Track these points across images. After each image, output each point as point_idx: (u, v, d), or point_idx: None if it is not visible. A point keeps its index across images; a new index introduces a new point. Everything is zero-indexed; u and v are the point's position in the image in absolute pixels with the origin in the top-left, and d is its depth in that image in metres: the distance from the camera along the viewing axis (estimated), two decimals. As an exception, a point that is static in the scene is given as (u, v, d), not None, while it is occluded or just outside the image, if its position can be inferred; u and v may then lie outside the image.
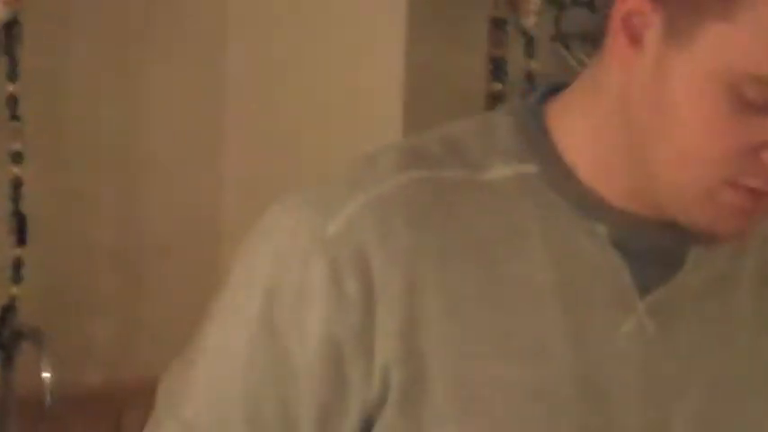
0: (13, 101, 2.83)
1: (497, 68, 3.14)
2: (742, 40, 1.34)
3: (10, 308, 2.87)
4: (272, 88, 3.11)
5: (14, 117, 2.84)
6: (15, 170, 2.86)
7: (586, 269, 1.46)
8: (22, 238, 2.87)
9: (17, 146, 2.85)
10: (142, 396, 2.70)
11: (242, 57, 3.24)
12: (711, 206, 1.39)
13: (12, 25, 2.81)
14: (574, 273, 1.46)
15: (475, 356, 1.47)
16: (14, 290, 2.88)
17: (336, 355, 1.40)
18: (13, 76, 2.83)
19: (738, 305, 1.52)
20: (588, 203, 1.45)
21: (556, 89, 1.49)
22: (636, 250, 1.45)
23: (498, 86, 3.15)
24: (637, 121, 1.37)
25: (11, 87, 2.84)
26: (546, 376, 1.47)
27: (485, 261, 1.45)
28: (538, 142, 1.44)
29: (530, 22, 3.08)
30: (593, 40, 3.19)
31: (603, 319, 1.46)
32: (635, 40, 1.35)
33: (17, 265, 2.88)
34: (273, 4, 3.17)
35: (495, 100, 3.11)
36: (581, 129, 1.43)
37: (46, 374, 2.70)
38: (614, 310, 1.45)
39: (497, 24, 3.10)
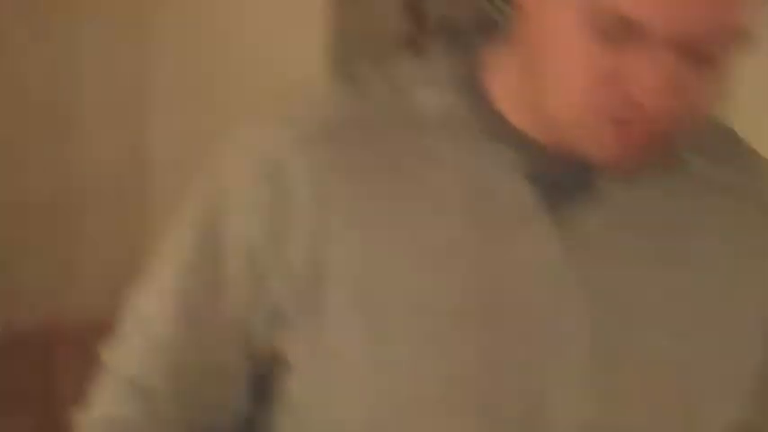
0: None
1: (413, 14, 3.22)
2: None
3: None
4: (196, 37, 3.17)
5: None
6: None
7: (494, 191, 1.52)
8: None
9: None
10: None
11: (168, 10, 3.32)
12: (595, 137, 1.45)
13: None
14: (481, 193, 1.52)
15: (377, 267, 1.53)
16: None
17: (252, 255, 1.49)
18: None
19: (689, 249, 1.57)
20: (503, 133, 1.51)
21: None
22: (545, 176, 1.51)
23: (413, 30, 3.24)
24: (531, 60, 1.44)
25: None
26: (447, 287, 1.53)
27: (397, 178, 1.52)
28: (466, 76, 1.50)
29: None
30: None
31: (507, 236, 1.52)
32: None
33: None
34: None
35: (410, 43, 3.22)
36: (505, 68, 1.49)
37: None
38: (518, 230, 1.51)
39: None
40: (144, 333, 1.62)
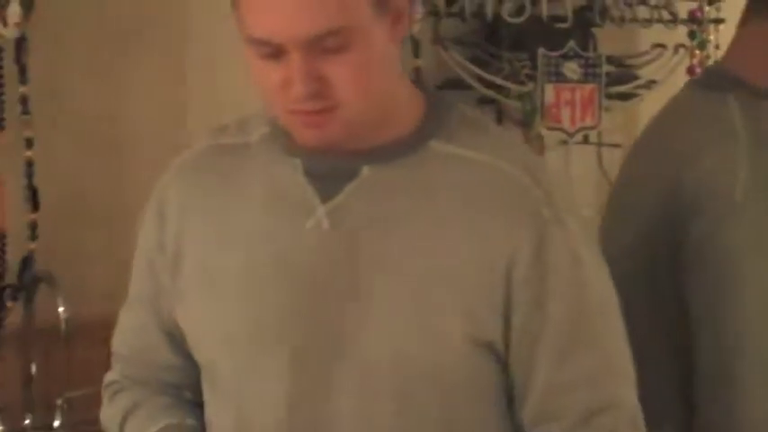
0: (24, 100, 3.13)
1: None
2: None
3: (28, 259, 3.15)
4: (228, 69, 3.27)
5: (25, 112, 3.14)
6: (28, 153, 3.16)
7: (285, 188, 1.86)
8: (35, 206, 3.16)
9: (29, 133, 3.15)
10: None
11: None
12: (294, 126, 1.78)
13: (21, 41, 3.09)
14: (277, 191, 1.87)
15: (208, 245, 1.93)
16: (32, 245, 3.16)
17: (151, 257, 2.00)
18: (23, 79, 3.13)
19: (430, 214, 1.82)
20: (290, 148, 1.85)
21: None
22: (320, 173, 1.84)
23: None
24: None
25: (22, 88, 3.13)
26: (252, 261, 1.88)
27: (227, 188, 1.92)
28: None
29: (414, 29, 3.38)
30: (467, 43, 3.69)
31: (294, 220, 1.84)
32: None
33: (33, 226, 3.17)
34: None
35: None
36: None
37: (61, 309, 3.07)
38: (301, 214, 1.84)
39: None
40: (120, 320, 2.10)
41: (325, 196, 1.84)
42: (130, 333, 2.09)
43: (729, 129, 2.31)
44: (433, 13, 3.55)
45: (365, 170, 1.83)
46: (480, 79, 3.73)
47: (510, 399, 1.84)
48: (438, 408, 1.83)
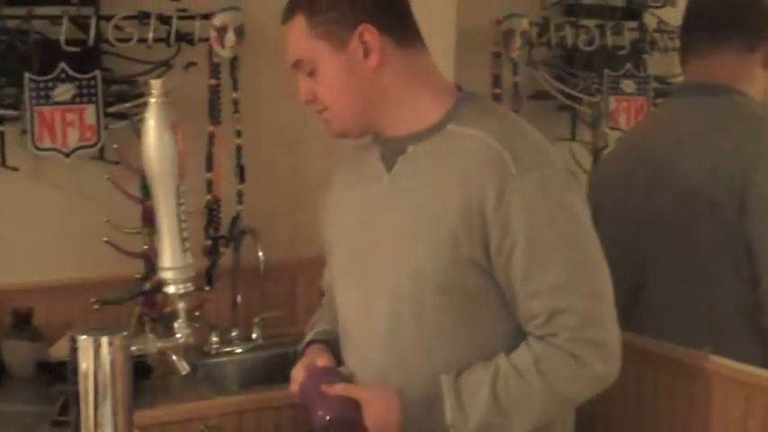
0: (235, 102, 3.14)
1: (495, 80, 3.53)
2: None
3: (236, 217, 3.18)
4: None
5: (236, 111, 3.14)
6: (238, 141, 3.17)
7: (372, 164, 2.05)
8: (242, 179, 3.19)
9: (239, 127, 3.16)
10: (307, 268, 3.31)
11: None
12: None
13: (234, 60, 3.10)
14: (370, 167, 2.06)
15: (336, 211, 2.17)
16: (239, 207, 3.19)
17: None
18: (235, 88, 3.13)
19: (439, 172, 1.93)
20: (376, 140, 2.06)
21: None
22: (386, 153, 2.03)
23: (497, 91, 3.53)
24: None
25: (234, 94, 3.13)
26: (349, 212, 2.10)
27: (358, 168, 2.12)
28: None
29: (514, 53, 3.46)
30: (552, 65, 3.65)
31: (372, 184, 2.04)
32: None
33: (240, 194, 3.20)
34: None
35: (495, 98, 3.44)
36: None
37: (260, 254, 3.05)
38: (377, 180, 2.03)
39: (496, 55, 3.49)
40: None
41: (389, 167, 2.00)
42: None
43: None
44: (528, 42, 3.50)
45: (409, 148, 1.97)
46: (561, 92, 3.72)
47: (508, 303, 1.90)
48: (447, 309, 1.91)
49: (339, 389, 1.96)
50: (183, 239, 1.84)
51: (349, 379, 2.04)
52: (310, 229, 3.14)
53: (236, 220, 3.22)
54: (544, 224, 1.84)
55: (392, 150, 2.00)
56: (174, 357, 1.87)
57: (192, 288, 1.85)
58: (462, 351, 1.91)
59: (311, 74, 1.98)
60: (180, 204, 1.83)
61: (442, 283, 1.89)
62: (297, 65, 2.01)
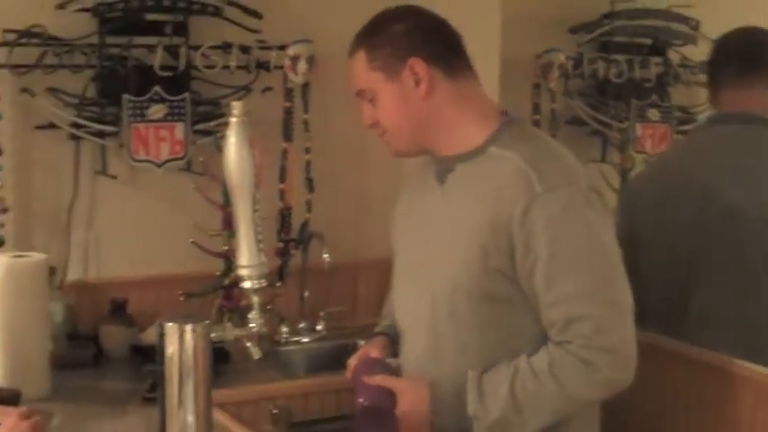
0: (305, 122, 3.15)
1: (535, 108, 3.53)
2: None
3: (305, 223, 3.18)
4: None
5: (307, 130, 3.15)
6: (308, 156, 3.17)
7: (428, 180, 2.06)
8: (311, 189, 3.19)
9: (308, 144, 3.16)
10: (368, 267, 3.34)
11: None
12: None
13: (305, 85, 3.11)
14: (426, 182, 2.06)
15: (400, 222, 2.17)
16: (307, 215, 3.20)
17: None
18: (306, 109, 3.13)
19: (476, 191, 1.94)
20: (434, 158, 2.05)
21: None
22: (439, 171, 2.03)
23: (537, 117, 3.52)
24: None
25: (305, 115, 3.14)
26: (412, 220, 2.11)
27: (415, 187, 2.14)
28: None
29: (552, 84, 3.46)
30: (586, 94, 3.65)
31: (428, 197, 2.05)
32: None
33: (308, 203, 3.20)
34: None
35: (534, 124, 3.44)
36: None
37: (325, 255, 3.06)
38: (432, 194, 2.04)
39: (536, 85, 3.48)
40: None
41: (441, 182, 2.01)
42: None
43: None
44: (564, 74, 3.50)
45: (457, 167, 1.98)
46: (594, 118, 3.70)
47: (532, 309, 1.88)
48: (477, 312, 1.91)
49: (378, 379, 1.97)
50: (258, 241, 1.85)
51: (394, 370, 2.05)
52: (371, 235, 3.32)
53: (304, 225, 3.22)
54: (564, 239, 1.82)
55: (444, 168, 2.01)
56: (249, 344, 1.89)
57: (265, 284, 1.88)
58: (491, 350, 1.91)
59: (372, 101, 2.00)
60: (255, 210, 1.85)
61: (473, 289, 1.90)
62: (359, 94, 2.03)
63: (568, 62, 3.54)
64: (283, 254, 3.20)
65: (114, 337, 2.87)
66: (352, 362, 2.14)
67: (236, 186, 1.83)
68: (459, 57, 2.02)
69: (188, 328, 1.75)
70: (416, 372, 2.01)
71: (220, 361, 2.69)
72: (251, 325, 1.87)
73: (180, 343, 1.75)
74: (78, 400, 2.48)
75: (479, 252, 1.87)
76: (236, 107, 1.83)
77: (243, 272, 1.85)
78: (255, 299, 1.86)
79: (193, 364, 1.75)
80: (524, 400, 1.84)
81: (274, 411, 2.64)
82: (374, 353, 2.14)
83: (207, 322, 1.78)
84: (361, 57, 1.98)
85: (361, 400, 1.96)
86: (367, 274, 3.32)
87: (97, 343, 2.88)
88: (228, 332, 1.86)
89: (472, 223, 1.90)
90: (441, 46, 1.98)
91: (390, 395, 1.94)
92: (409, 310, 2.08)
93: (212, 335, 1.79)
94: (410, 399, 1.93)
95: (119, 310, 2.91)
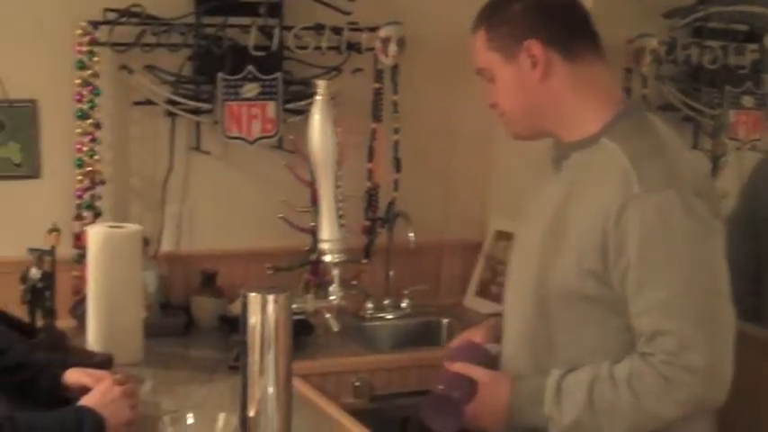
0: (395, 103, 3.19)
1: (627, 93, 3.29)
2: None
3: (392, 203, 3.22)
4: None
5: (395, 111, 3.18)
6: (396, 137, 3.21)
7: (549, 167, 1.98)
8: (398, 169, 3.23)
9: (397, 125, 3.20)
10: (451, 247, 3.39)
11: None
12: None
13: (395, 67, 3.13)
14: (547, 169, 1.98)
15: (522, 216, 2.07)
16: (394, 194, 3.23)
17: None
18: (395, 91, 3.17)
19: (582, 184, 1.86)
20: (555, 144, 1.98)
21: None
22: (556, 158, 1.96)
23: None
24: None
25: (394, 97, 3.18)
26: (533, 206, 2.02)
27: (543, 175, 2.02)
28: None
29: (644, 69, 3.34)
30: (678, 80, 3.58)
31: (546, 184, 1.97)
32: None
33: (396, 182, 3.24)
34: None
35: None
36: None
37: (410, 235, 3.11)
38: (549, 179, 1.96)
39: (628, 70, 3.33)
40: None
41: (557, 170, 1.93)
42: None
43: None
44: (656, 60, 3.41)
45: (573, 155, 1.89)
46: (686, 104, 3.64)
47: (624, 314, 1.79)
48: (566, 311, 1.83)
49: (458, 367, 1.95)
50: (339, 216, 1.89)
51: (492, 357, 2.01)
52: (457, 216, 3.40)
53: (391, 204, 3.26)
54: (657, 245, 1.73)
55: (561, 154, 1.94)
56: (328, 315, 1.92)
57: (344, 258, 1.90)
58: (578, 351, 1.84)
59: (491, 81, 1.93)
60: (337, 187, 1.88)
61: (563, 288, 1.83)
62: (479, 72, 1.97)
63: (661, 47, 3.45)
64: (370, 232, 3.24)
65: (204, 307, 2.95)
66: (454, 343, 2.13)
67: (318, 163, 1.86)
68: (582, 39, 1.91)
69: (270, 298, 1.76)
70: (507, 363, 1.97)
71: (304, 334, 2.76)
72: (331, 297, 1.89)
73: (262, 313, 1.77)
74: (168, 367, 2.57)
75: (575, 253, 1.80)
76: (321, 86, 1.86)
77: (324, 246, 1.88)
78: (335, 272, 1.89)
79: (274, 334, 1.77)
80: (601, 407, 1.77)
81: (356, 384, 2.70)
82: (477, 336, 2.10)
83: (288, 293, 1.79)
84: (481, 36, 1.91)
85: (440, 386, 1.93)
86: (451, 255, 3.38)
87: (188, 312, 2.97)
88: (309, 303, 1.89)
89: (573, 222, 1.83)
90: (561, 28, 1.89)
91: (470, 384, 1.91)
92: (508, 297, 2.03)
93: (293, 306, 1.82)
94: (488, 392, 1.89)
95: (209, 282, 2.98)
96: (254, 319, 1.77)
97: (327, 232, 1.85)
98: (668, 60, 3.49)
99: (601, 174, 1.80)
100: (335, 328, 1.90)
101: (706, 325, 1.72)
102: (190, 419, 1.54)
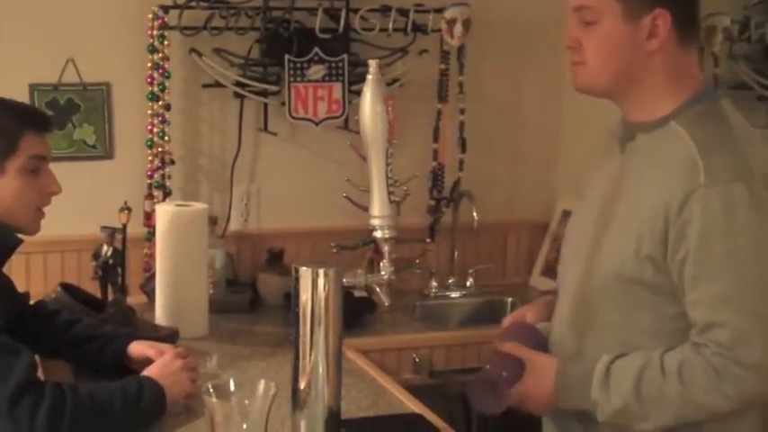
0: (460, 84, 3.19)
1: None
2: None
3: (457, 182, 3.24)
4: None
5: (461, 92, 3.18)
6: (461, 117, 3.22)
7: (613, 146, 1.90)
8: (463, 149, 3.24)
9: (462, 105, 3.21)
10: (517, 228, 3.38)
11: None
12: None
13: (461, 48, 3.16)
14: (613, 149, 1.90)
15: (583, 194, 1.99)
16: (459, 174, 3.25)
17: None
18: (461, 72, 3.18)
19: (647, 168, 1.78)
20: (622, 122, 1.89)
21: None
22: (622, 137, 1.88)
23: None
24: None
25: (460, 77, 3.18)
26: (594, 185, 1.94)
27: (606, 152, 1.94)
28: None
29: (716, 48, 3.31)
30: (752, 59, 3.52)
31: (610, 162, 1.89)
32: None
33: (461, 162, 3.25)
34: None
35: None
36: None
37: (474, 214, 3.11)
38: (613, 159, 1.88)
39: (699, 49, 3.31)
40: None
41: (621, 150, 1.86)
42: None
43: None
44: (728, 38, 3.37)
45: (638, 136, 1.82)
46: (759, 83, 3.57)
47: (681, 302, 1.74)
48: (623, 296, 1.78)
49: (508, 347, 1.92)
50: (390, 193, 1.90)
51: (544, 338, 1.98)
52: (522, 196, 3.39)
53: (456, 184, 3.28)
54: (718, 238, 1.66)
55: (627, 134, 1.85)
56: (379, 290, 1.93)
57: (395, 234, 1.90)
58: (630, 335, 1.79)
59: (588, 24, 1.76)
60: (388, 164, 1.89)
61: (620, 273, 1.77)
62: (579, 9, 1.78)
63: (734, 26, 3.41)
64: (435, 211, 3.27)
65: (270, 284, 3.00)
66: (506, 322, 2.10)
67: (370, 140, 1.88)
68: (696, 25, 1.83)
69: (320, 272, 1.77)
70: (555, 342, 1.93)
71: (367, 311, 2.80)
72: (382, 273, 1.90)
73: (312, 287, 1.78)
74: (232, 342, 2.62)
75: (633, 236, 1.74)
76: (372, 65, 1.88)
77: (374, 222, 1.90)
78: (386, 248, 1.90)
79: (325, 307, 1.78)
80: (648, 396, 1.73)
81: (416, 360, 2.72)
82: (530, 315, 2.06)
83: (339, 267, 1.79)
84: None
85: (488, 366, 1.91)
86: (516, 235, 3.39)
87: (254, 289, 3.02)
88: (360, 278, 1.90)
89: (634, 206, 1.76)
90: (689, 8, 1.79)
91: (518, 365, 1.87)
92: (562, 276, 1.98)
93: (344, 280, 1.82)
94: (535, 374, 1.85)
95: (275, 260, 3.03)
96: (304, 292, 1.78)
97: (378, 208, 1.88)
98: (741, 39, 3.44)
99: (667, 160, 1.74)
100: (386, 303, 1.92)
101: (760, 319, 1.67)
102: (231, 386, 1.57)
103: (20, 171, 1.97)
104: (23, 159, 1.98)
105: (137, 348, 2.18)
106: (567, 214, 3.34)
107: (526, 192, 3.44)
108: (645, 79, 1.79)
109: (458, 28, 3.14)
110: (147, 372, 2.02)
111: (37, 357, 2.22)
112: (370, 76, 1.91)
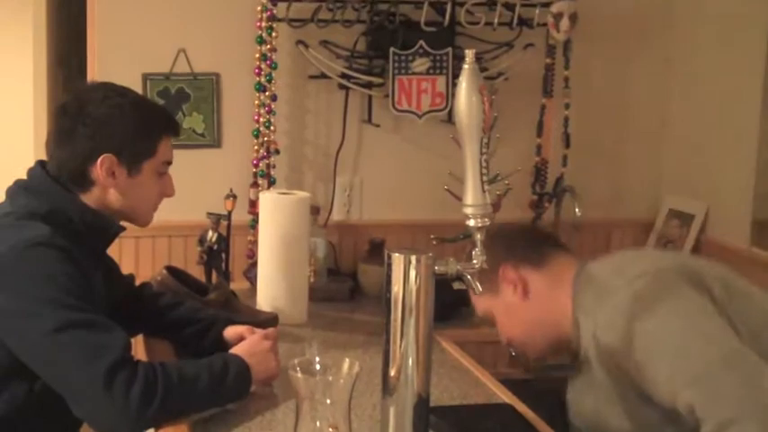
0: (566, 79, 3.13)
1: None
2: None
3: (560, 178, 3.17)
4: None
5: (566, 86, 3.14)
6: (566, 112, 3.15)
7: None
8: (567, 145, 3.20)
9: (567, 100, 3.16)
10: (622, 225, 3.30)
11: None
12: None
13: (567, 42, 3.10)
14: None
15: None
16: (563, 169, 3.19)
17: None
18: (567, 66, 3.13)
19: None
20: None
21: None
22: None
23: None
24: None
25: (565, 72, 3.14)
26: None
27: None
28: None
29: None
30: None
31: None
32: None
33: (564, 157, 3.18)
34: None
35: None
36: None
37: (577, 210, 3.07)
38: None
39: None
40: None
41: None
42: None
43: None
44: None
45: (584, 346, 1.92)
46: None
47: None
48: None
49: None
50: (483, 182, 1.88)
51: None
52: (625, 193, 3.33)
53: (559, 180, 3.25)
54: (636, 339, 1.75)
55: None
56: (469, 277, 1.91)
57: (488, 222, 1.88)
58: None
59: (494, 324, 2.02)
60: (482, 154, 1.87)
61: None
62: (484, 320, 2.07)
63: None
64: (537, 207, 3.24)
65: (371, 274, 3.01)
66: None
67: (465, 130, 1.86)
68: (544, 244, 2.02)
69: (413, 258, 1.78)
70: None
71: (464, 304, 2.77)
72: (473, 261, 1.89)
73: (404, 273, 1.79)
74: (330, 329, 2.64)
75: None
76: (469, 55, 1.86)
77: (467, 210, 1.88)
78: (478, 236, 1.88)
79: (416, 294, 1.78)
80: None
81: (513, 354, 2.69)
82: None
83: (431, 255, 1.80)
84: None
85: None
86: (621, 232, 3.33)
87: (355, 279, 3.04)
88: (451, 266, 1.89)
89: None
90: (523, 246, 2.00)
91: None
92: None
93: (435, 267, 1.82)
94: None
95: (376, 250, 3.04)
96: (396, 278, 1.79)
97: (471, 197, 1.85)
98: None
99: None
100: (477, 292, 1.90)
101: (696, 384, 1.65)
102: (317, 365, 1.59)
103: (153, 173, 2.05)
104: (158, 163, 2.06)
105: (233, 331, 2.21)
106: (673, 213, 3.28)
107: (631, 189, 3.38)
108: (546, 310, 1.97)
109: (564, 22, 3.10)
110: (234, 350, 2.03)
111: (141, 337, 2.30)
112: (465, 66, 1.90)
